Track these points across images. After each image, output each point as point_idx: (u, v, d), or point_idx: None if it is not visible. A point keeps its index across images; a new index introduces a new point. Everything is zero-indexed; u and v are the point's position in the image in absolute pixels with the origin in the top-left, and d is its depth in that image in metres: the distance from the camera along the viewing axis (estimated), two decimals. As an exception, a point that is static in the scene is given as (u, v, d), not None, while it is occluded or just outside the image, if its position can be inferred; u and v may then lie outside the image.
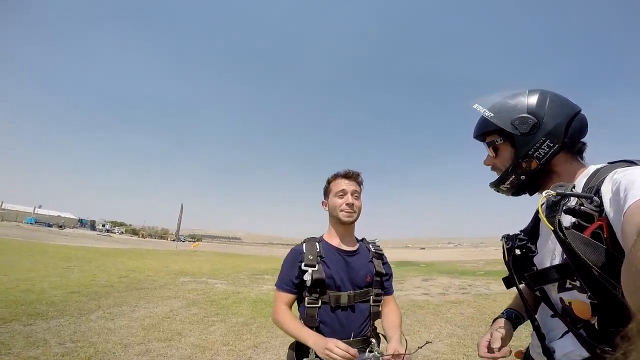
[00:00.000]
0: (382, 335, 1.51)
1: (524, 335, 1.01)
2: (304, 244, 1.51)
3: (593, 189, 0.77)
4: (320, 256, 1.45)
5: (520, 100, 0.95)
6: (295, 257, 1.47)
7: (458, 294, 8.38)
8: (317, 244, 1.51)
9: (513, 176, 0.97)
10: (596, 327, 0.75)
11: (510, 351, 1.00)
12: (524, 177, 0.95)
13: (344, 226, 1.54)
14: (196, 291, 7.91)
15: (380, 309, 1.53)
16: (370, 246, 1.62)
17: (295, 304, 1.51)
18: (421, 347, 1.48)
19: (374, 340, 1.42)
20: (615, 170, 0.74)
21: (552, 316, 0.89)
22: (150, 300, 6.49)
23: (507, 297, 0.97)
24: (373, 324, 1.50)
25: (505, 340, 0.99)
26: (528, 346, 1.03)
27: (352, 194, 1.51)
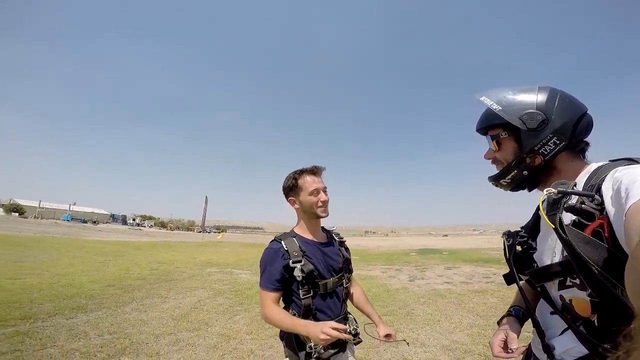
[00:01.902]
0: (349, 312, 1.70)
1: (527, 330, 1.02)
2: (283, 242, 1.54)
3: (594, 187, 0.77)
4: (303, 251, 1.52)
5: (529, 96, 0.95)
6: (276, 255, 1.50)
7: (482, 283, 8.24)
8: (294, 239, 1.56)
9: (515, 171, 0.97)
10: (596, 324, 0.76)
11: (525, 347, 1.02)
12: (526, 172, 0.96)
13: (317, 220, 1.64)
14: (222, 281, 8.21)
15: (349, 290, 1.72)
16: (334, 235, 1.78)
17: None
18: (404, 340, 1.74)
19: (350, 316, 1.66)
20: (616, 169, 0.74)
21: (551, 313, 0.90)
22: (179, 291, 6.81)
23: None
24: (346, 302, 1.69)
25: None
26: (530, 342, 1.05)
27: (323, 191, 1.61)
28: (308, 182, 1.58)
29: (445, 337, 4.23)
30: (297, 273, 1.44)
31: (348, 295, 1.71)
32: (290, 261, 1.46)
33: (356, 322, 1.67)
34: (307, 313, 1.47)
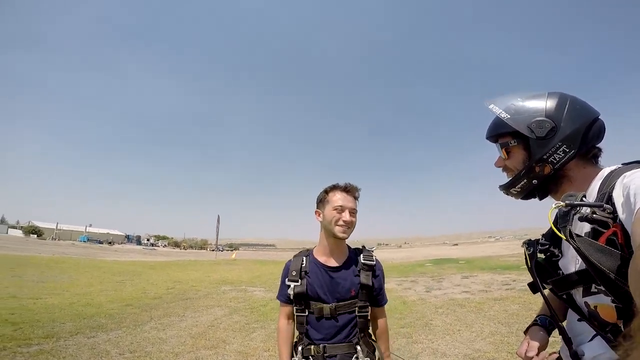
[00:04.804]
0: (374, 343, 1.60)
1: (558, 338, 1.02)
2: (292, 259, 1.61)
3: (605, 195, 0.75)
4: (305, 271, 1.54)
5: (538, 103, 0.92)
6: (285, 271, 1.60)
7: (501, 290, 8.02)
8: (304, 258, 1.58)
9: (525, 180, 0.94)
10: (622, 330, 0.74)
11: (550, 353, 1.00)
12: (536, 181, 0.93)
13: (336, 240, 1.53)
14: (237, 299, 8.22)
15: (367, 319, 1.56)
16: (361, 257, 1.58)
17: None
18: None
19: (359, 348, 1.48)
20: (625, 174, 0.73)
21: (578, 320, 0.88)
22: (196, 309, 6.85)
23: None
24: (361, 332, 1.53)
25: (542, 347, 0.98)
26: (559, 349, 1.01)
27: (350, 211, 1.51)
28: (336, 198, 1.53)
29: (467, 346, 4.13)
30: (290, 292, 1.50)
31: (364, 324, 1.54)
32: (287, 279, 1.53)
33: (364, 356, 1.48)
34: (300, 329, 1.53)
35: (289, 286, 1.51)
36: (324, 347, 1.46)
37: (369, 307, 1.55)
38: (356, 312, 1.51)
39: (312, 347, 1.47)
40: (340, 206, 1.50)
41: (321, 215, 1.57)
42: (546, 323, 1.06)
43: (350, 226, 1.52)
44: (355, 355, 1.47)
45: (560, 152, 0.87)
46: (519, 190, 0.98)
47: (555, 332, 1.00)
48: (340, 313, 1.49)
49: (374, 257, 1.60)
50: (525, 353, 0.97)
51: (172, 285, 10.58)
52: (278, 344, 1.61)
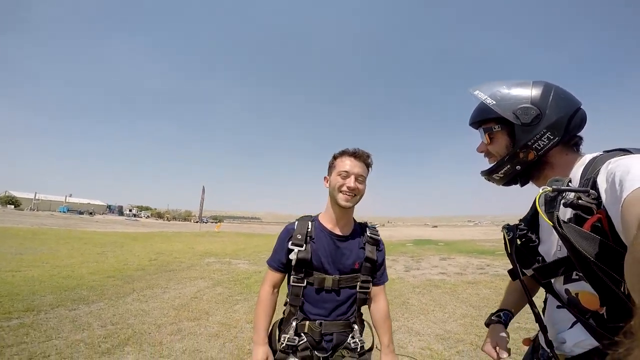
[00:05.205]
0: (367, 322, 1.54)
1: (517, 321, 1.05)
2: (297, 222, 1.49)
3: (590, 180, 0.76)
4: (310, 236, 1.43)
5: (523, 90, 0.94)
6: (286, 235, 1.46)
7: (475, 274, 8.40)
8: (309, 223, 1.47)
9: (508, 166, 0.96)
10: (605, 317, 0.76)
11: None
12: (519, 167, 0.95)
13: (342, 209, 1.44)
14: (220, 271, 8.31)
15: (367, 296, 1.49)
16: (368, 231, 1.53)
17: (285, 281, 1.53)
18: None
19: (356, 327, 1.44)
20: (609, 161, 0.74)
21: (558, 307, 0.91)
22: (179, 281, 6.90)
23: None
24: (358, 309, 1.47)
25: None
26: (537, 333, 1.05)
27: (356, 177, 1.40)
28: (342, 162, 1.43)
29: (439, 326, 4.37)
30: (292, 256, 1.38)
31: (362, 302, 1.48)
32: (290, 243, 1.41)
33: (360, 338, 1.44)
34: (294, 302, 1.40)
35: (292, 250, 1.38)
36: (321, 323, 1.37)
37: (371, 284, 1.49)
38: (357, 288, 1.44)
39: (307, 323, 1.38)
40: (346, 171, 1.40)
41: (328, 181, 1.49)
42: (508, 320, 1.11)
43: (356, 194, 1.42)
44: (351, 334, 1.42)
45: (544, 139, 0.90)
46: (502, 175, 1.00)
47: (532, 320, 1.02)
48: (342, 287, 1.41)
49: (379, 233, 1.56)
50: (498, 356, 1.02)
51: (154, 256, 10.54)
52: (256, 314, 1.45)
